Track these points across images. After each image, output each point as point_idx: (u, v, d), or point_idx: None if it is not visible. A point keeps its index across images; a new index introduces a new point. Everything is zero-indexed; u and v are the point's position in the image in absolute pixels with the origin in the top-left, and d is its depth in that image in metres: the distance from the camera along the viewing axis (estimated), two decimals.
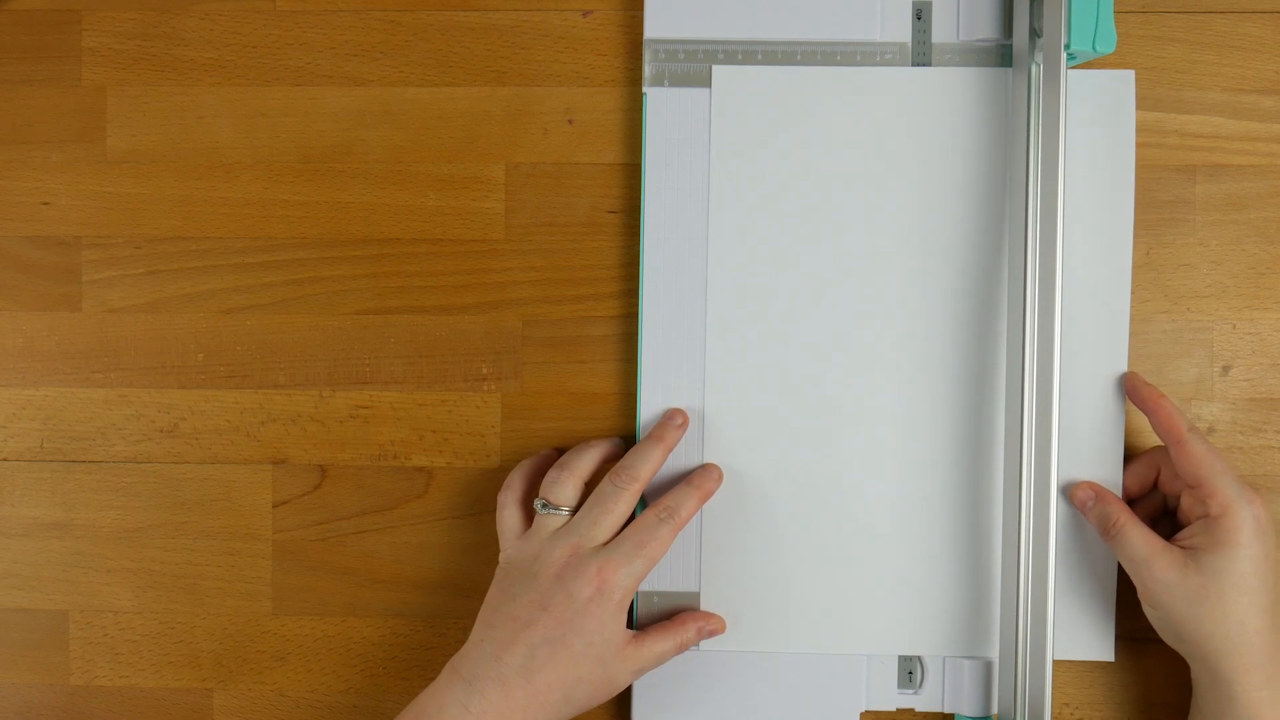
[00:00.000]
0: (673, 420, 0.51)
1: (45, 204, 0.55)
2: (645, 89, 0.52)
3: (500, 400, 0.54)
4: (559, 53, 0.54)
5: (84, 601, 0.55)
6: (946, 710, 0.52)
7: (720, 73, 0.52)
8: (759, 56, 0.52)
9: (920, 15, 0.52)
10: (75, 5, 0.54)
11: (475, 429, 0.54)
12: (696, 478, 0.51)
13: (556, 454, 0.52)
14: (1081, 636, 0.52)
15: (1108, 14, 0.48)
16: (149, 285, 0.54)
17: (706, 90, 0.52)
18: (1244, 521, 0.46)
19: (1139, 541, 0.48)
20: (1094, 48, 0.48)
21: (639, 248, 0.53)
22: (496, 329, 0.54)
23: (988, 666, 0.51)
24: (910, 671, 0.52)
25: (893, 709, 0.52)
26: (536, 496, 0.50)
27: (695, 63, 0.52)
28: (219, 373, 0.54)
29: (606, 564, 0.47)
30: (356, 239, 0.54)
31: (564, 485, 0.49)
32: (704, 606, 0.53)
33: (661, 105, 0.52)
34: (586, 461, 0.50)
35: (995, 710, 0.52)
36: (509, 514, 0.51)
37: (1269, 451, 0.53)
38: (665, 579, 0.53)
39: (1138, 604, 0.49)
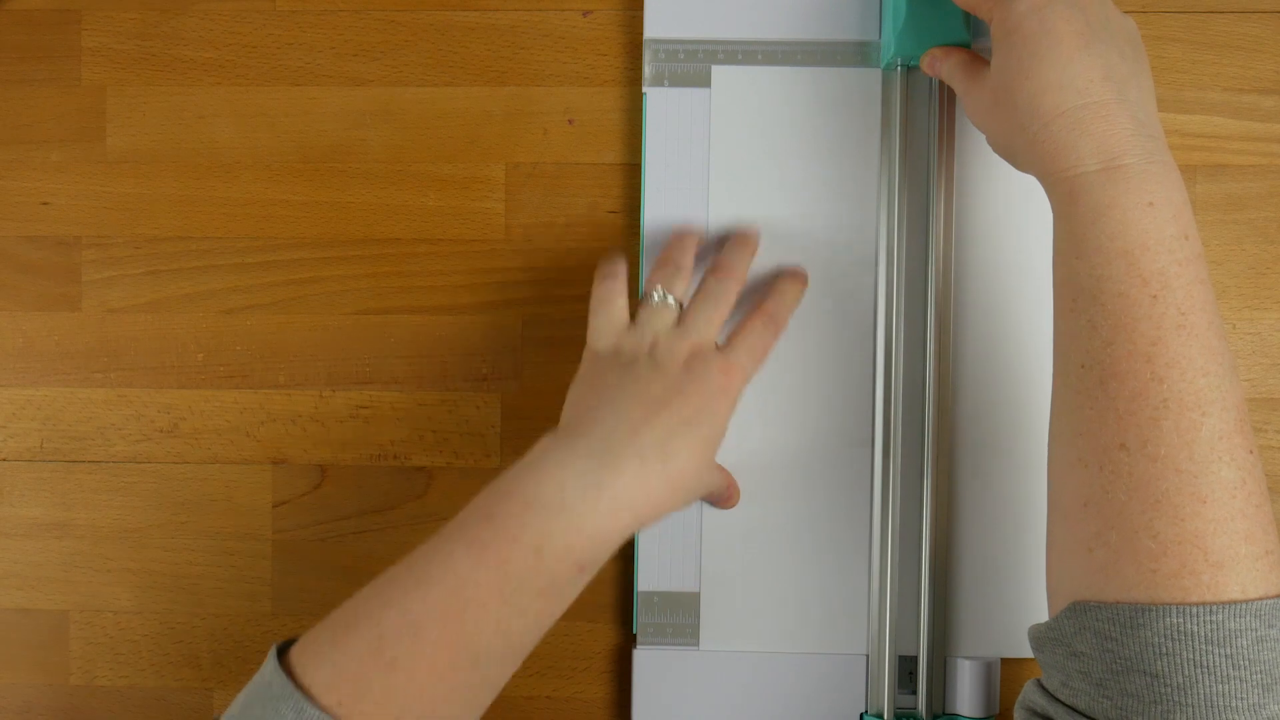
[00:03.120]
0: (748, 233, 0.51)
1: (45, 204, 0.55)
2: (645, 89, 0.52)
3: (500, 400, 0.54)
4: (559, 53, 0.54)
5: (84, 601, 0.55)
6: (947, 710, 0.52)
7: (720, 73, 0.52)
8: (759, 56, 0.52)
9: None
10: (75, 5, 0.54)
11: (475, 429, 0.54)
12: (787, 284, 0.51)
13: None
14: None
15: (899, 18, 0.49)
16: (149, 285, 0.54)
17: (706, 90, 0.52)
18: (1011, 6, 0.42)
19: (954, 68, 0.46)
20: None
21: (639, 248, 0.53)
22: (496, 329, 0.54)
23: (988, 666, 0.51)
24: (910, 671, 0.52)
25: (892, 709, 0.52)
26: (652, 287, 0.49)
27: (695, 63, 0.52)
28: (219, 373, 0.54)
29: (730, 366, 0.47)
30: (356, 239, 0.54)
31: (683, 280, 0.49)
32: (704, 607, 0.53)
33: (661, 105, 0.52)
34: (691, 256, 0.50)
35: (996, 710, 0.52)
36: (620, 305, 0.49)
37: (1269, 451, 0.53)
38: (665, 579, 0.53)
39: None
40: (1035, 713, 0.40)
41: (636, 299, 0.52)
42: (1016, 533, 0.52)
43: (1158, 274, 0.38)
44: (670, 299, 0.48)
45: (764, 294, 0.51)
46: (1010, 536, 0.52)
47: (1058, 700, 0.39)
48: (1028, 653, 0.52)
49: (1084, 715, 0.38)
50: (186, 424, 0.55)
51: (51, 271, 0.55)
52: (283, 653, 0.41)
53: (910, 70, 0.51)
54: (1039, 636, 0.40)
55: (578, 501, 0.42)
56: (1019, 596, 0.52)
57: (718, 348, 0.47)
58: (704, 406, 0.45)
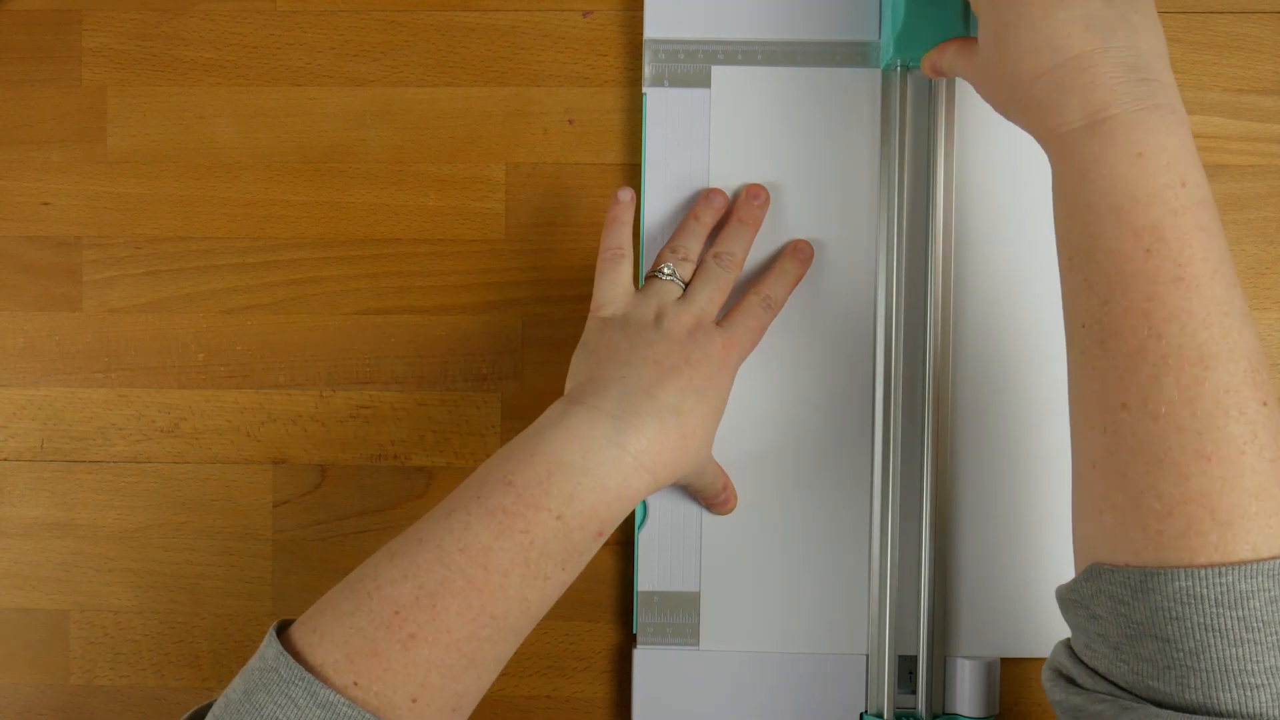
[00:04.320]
0: (755, 198, 0.51)
1: (45, 204, 0.55)
2: (645, 89, 0.52)
3: (500, 400, 0.54)
4: (559, 53, 0.54)
5: (84, 601, 0.55)
6: (947, 710, 0.52)
7: (720, 73, 0.52)
8: (759, 57, 0.52)
9: None
10: (75, 5, 0.54)
11: (475, 429, 0.54)
12: (789, 263, 0.51)
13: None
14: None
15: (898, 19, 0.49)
16: (149, 285, 0.54)
17: (706, 90, 0.52)
18: None
19: (952, 58, 0.46)
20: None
21: (639, 247, 0.53)
22: (496, 329, 0.54)
23: (988, 666, 0.51)
24: (910, 671, 0.52)
25: (892, 709, 0.52)
26: (660, 265, 0.50)
27: (695, 63, 0.52)
28: (219, 373, 0.54)
29: (729, 341, 0.48)
30: (356, 239, 0.54)
31: (688, 264, 0.50)
32: (704, 607, 0.53)
33: (661, 105, 0.52)
34: (700, 247, 0.51)
35: (996, 710, 0.52)
36: (626, 274, 0.50)
37: None
38: (665, 579, 0.53)
39: None
40: (1060, 674, 0.40)
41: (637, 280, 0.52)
42: (1016, 532, 0.52)
43: (1150, 227, 0.37)
44: (677, 277, 0.49)
45: (764, 273, 0.51)
46: (1010, 536, 0.52)
47: (1081, 662, 0.39)
48: (1028, 653, 0.52)
49: (1104, 678, 0.37)
50: (187, 424, 0.55)
51: (52, 271, 0.55)
52: (280, 633, 0.40)
53: (910, 70, 0.51)
54: (1062, 598, 0.40)
55: (601, 463, 0.42)
56: (1019, 596, 0.52)
57: (717, 324, 0.49)
58: (711, 377, 0.46)
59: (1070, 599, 0.39)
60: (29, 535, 0.55)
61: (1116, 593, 0.36)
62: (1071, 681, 0.39)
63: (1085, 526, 0.39)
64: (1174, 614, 0.35)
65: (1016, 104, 0.41)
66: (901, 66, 0.51)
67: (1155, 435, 0.36)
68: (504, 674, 0.54)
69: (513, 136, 0.54)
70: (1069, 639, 0.40)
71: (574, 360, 0.48)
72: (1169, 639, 0.35)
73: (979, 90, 0.45)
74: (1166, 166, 0.38)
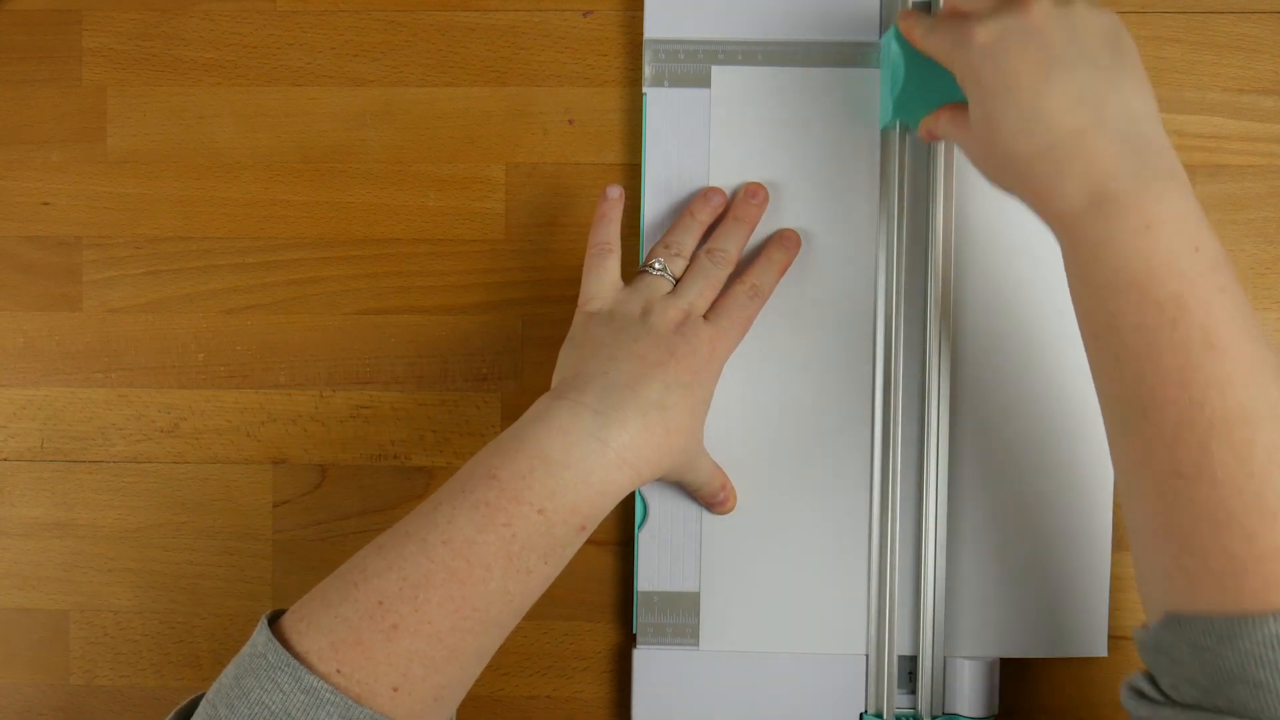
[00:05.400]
0: (753, 197, 0.51)
1: (45, 204, 0.55)
2: (645, 89, 0.52)
3: (500, 400, 0.54)
4: (559, 53, 0.54)
5: (84, 601, 0.55)
6: (946, 710, 0.52)
7: (720, 73, 0.52)
8: (759, 57, 0.52)
9: None
10: (75, 5, 0.54)
11: (475, 429, 0.54)
12: (775, 252, 0.51)
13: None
14: (1075, 632, 0.52)
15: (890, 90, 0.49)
16: (149, 285, 0.54)
17: (706, 90, 0.52)
18: (963, 51, 0.41)
19: (947, 125, 0.46)
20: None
21: (639, 247, 0.53)
22: (496, 329, 0.54)
23: (988, 666, 0.51)
24: (910, 671, 0.52)
25: (892, 709, 0.52)
26: (652, 260, 0.50)
27: (695, 63, 0.52)
28: (219, 373, 0.54)
29: (716, 335, 0.48)
30: (356, 239, 0.54)
31: (681, 260, 0.50)
32: (704, 607, 0.53)
33: (661, 105, 0.52)
34: (694, 244, 0.51)
35: (996, 710, 0.52)
36: (614, 269, 0.50)
37: None
38: (665, 579, 0.53)
39: (1135, 599, 0.49)
40: (1142, 694, 0.39)
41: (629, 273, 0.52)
42: (1017, 532, 0.52)
43: (1171, 298, 0.37)
44: (668, 272, 0.49)
45: (750, 262, 0.51)
46: (1010, 536, 0.52)
47: (1168, 697, 0.38)
48: (1028, 653, 0.52)
49: (1194, 708, 0.37)
50: (187, 424, 0.55)
51: (52, 271, 0.55)
52: (273, 623, 0.40)
53: (909, 131, 0.50)
54: (1142, 644, 0.40)
55: (583, 458, 0.42)
56: (1019, 596, 0.52)
57: (704, 318, 0.49)
58: (697, 371, 0.46)
59: (1150, 645, 0.39)
60: (29, 535, 0.55)
61: (1200, 640, 0.36)
62: (1154, 701, 0.38)
63: (1154, 584, 0.39)
64: (1265, 659, 0.35)
65: (1013, 181, 0.41)
66: (901, 126, 0.51)
67: (1216, 500, 0.36)
68: (504, 674, 0.54)
69: (513, 136, 0.54)
70: (1147, 670, 0.40)
71: (561, 355, 0.48)
72: (1261, 684, 0.35)
73: (971, 161, 0.44)
74: (1177, 234, 0.37)
